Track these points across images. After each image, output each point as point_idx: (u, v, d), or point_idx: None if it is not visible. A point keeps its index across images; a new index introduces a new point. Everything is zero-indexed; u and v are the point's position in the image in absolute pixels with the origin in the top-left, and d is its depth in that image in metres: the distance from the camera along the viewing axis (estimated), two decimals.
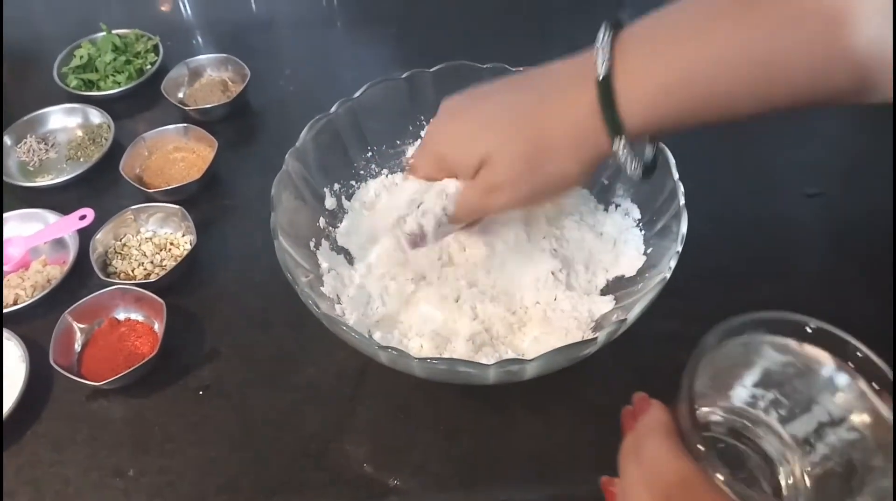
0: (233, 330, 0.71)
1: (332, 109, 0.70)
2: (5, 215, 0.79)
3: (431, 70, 0.72)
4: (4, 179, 0.84)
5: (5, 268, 0.76)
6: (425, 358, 0.53)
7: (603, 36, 0.48)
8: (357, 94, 0.71)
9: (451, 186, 0.57)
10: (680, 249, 0.57)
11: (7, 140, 0.89)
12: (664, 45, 0.47)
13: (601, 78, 0.48)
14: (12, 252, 0.77)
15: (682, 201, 0.60)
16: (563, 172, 0.52)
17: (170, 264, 0.75)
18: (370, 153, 0.75)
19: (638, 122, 0.49)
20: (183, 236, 0.78)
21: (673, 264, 0.56)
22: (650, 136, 0.55)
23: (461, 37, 1.03)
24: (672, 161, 0.62)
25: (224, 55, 0.96)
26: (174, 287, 0.73)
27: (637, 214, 0.68)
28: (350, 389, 0.65)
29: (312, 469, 0.61)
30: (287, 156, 0.66)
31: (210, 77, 0.96)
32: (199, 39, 1.08)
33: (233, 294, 0.74)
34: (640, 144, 0.54)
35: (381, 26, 1.07)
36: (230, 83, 0.95)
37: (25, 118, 0.91)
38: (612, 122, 0.49)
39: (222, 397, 0.66)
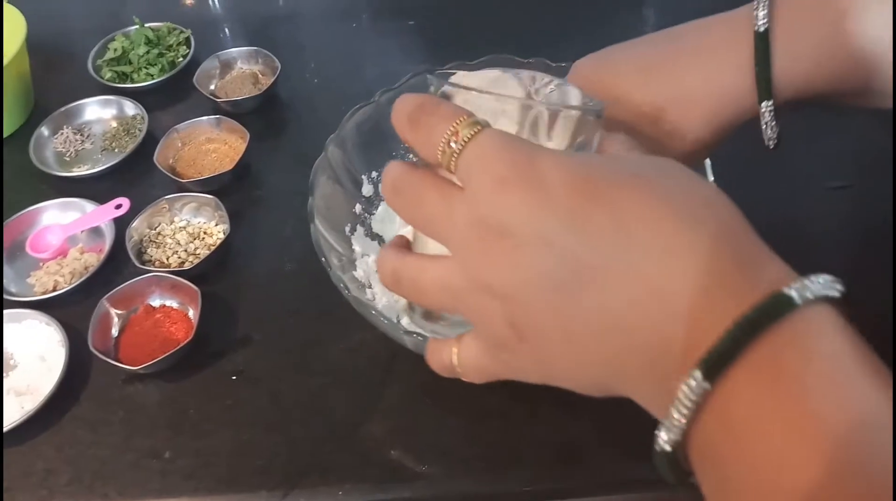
0: (265, 317, 0.72)
1: (374, 97, 0.71)
2: (44, 203, 0.81)
3: (473, 62, 0.73)
4: (42, 168, 0.86)
5: (44, 255, 0.78)
6: None
7: None
8: (398, 83, 0.72)
9: None
10: None
11: (44, 131, 0.91)
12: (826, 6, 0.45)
13: (760, 31, 0.46)
14: (51, 240, 0.79)
15: None
16: (695, 136, 0.51)
17: (203, 252, 0.76)
18: None
19: (791, 84, 0.47)
20: (216, 225, 0.80)
21: None
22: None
23: (486, 29, 1.04)
24: (708, 162, 0.62)
25: (254, 48, 0.98)
26: (208, 275, 0.75)
27: None
28: (379, 374, 0.67)
29: (342, 451, 0.62)
30: (328, 142, 0.68)
31: (241, 70, 0.98)
32: (227, 32, 1.10)
33: (265, 282, 0.75)
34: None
35: (405, 18, 1.08)
36: (260, 76, 0.97)
37: (62, 110, 0.93)
38: (765, 82, 0.47)
39: (255, 381, 0.68)
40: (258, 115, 0.92)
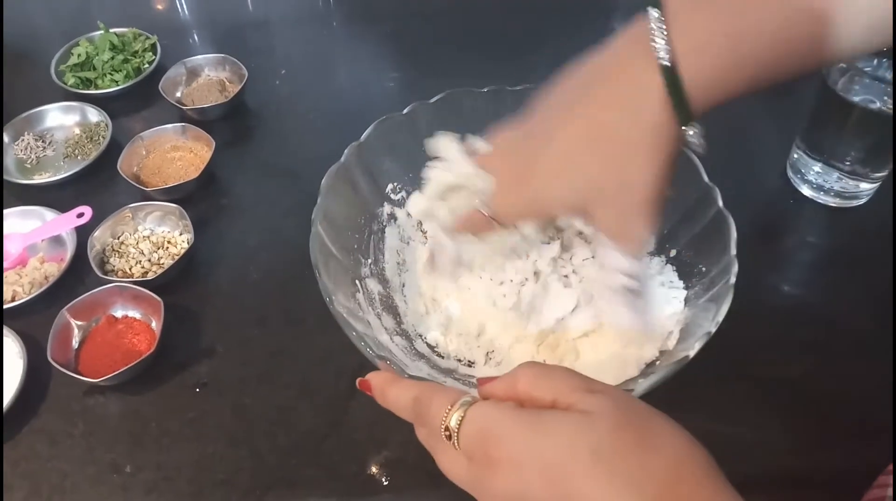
0: (229, 328, 0.71)
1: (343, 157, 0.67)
2: (4, 211, 0.80)
3: (430, 101, 0.70)
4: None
5: (3, 265, 0.76)
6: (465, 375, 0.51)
7: (654, 19, 0.45)
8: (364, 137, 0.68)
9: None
10: (713, 330, 0.54)
11: (5, 137, 0.89)
12: (720, 12, 0.44)
13: (664, 67, 0.45)
14: (10, 249, 0.77)
15: (733, 280, 0.56)
16: (645, 179, 0.49)
17: (167, 262, 0.75)
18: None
19: (705, 103, 0.46)
20: (180, 234, 0.79)
21: (699, 345, 0.53)
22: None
23: (457, 37, 1.04)
24: (734, 235, 0.59)
25: (221, 55, 0.97)
26: (171, 285, 0.74)
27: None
28: (346, 386, 0.66)
29: (308, 465, 0.62)
30: (313, 218, 0.63)
31: (208, 77, 0.97)
32: (196, 38, 1.09)
33: (229, 292, 0.74)
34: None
35: (376, 25, 1.07)
36: (227, 83, 0.96)
37: (23, 115, 0.92)
38: (683, 112, 0.46)
39: (219, 393, 0.67)
40: (225, 122, 0.91)
